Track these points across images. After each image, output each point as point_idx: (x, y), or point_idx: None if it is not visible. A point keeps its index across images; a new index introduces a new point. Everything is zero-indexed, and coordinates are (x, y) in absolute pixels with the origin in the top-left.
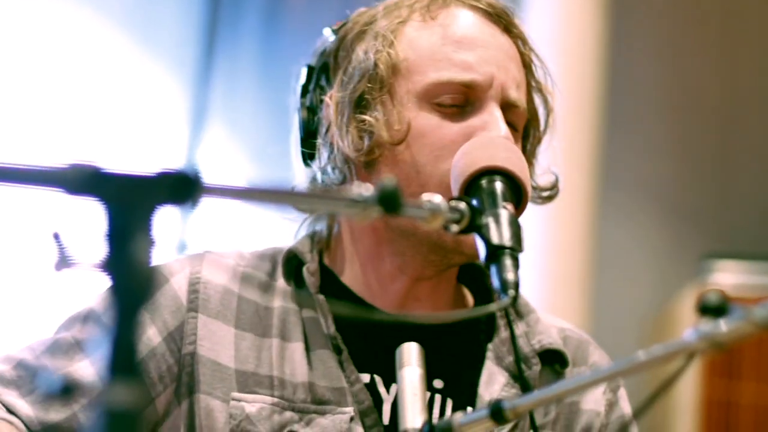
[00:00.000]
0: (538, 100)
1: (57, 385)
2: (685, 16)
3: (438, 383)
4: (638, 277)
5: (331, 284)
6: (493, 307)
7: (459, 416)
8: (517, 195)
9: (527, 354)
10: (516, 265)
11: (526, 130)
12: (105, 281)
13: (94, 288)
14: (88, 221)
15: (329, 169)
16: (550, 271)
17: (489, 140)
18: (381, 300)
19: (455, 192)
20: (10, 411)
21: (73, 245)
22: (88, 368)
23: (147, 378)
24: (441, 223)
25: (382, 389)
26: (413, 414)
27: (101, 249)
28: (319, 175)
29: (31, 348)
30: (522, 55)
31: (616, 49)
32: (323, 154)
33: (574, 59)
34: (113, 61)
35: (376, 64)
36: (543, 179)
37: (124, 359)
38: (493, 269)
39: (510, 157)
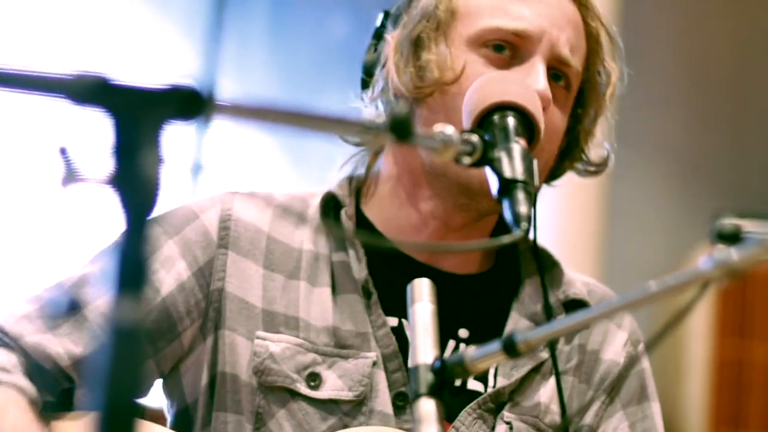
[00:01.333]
0: (601, 73)
1: (64, 306)
2: None
3: (463, 332)
4: (650, 235)
5: (366, 228)
6: (505, 239)
7: (471, 350)
8: (530, 131)
9: (553, 303)
10: (529, 198)
11: (582, 99)
12: (112, 196)
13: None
14: (95, 135)
15: (379, 102)
16: (561, 230)
17: (503, 76)
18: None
19: (467, 126)
20: (28, 368)
21: (80, 160)
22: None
23: (175, 311)
24: (452, 155)
25: (408, 333)
26: (425, 349)
27: (108, 163)
28: (366, 109)
29: (58, 285)
30: (588, 25)
31: (625, 9)
32: (377, 87)
33: None
34: (123, 21)
35: (436, 6)
36: (594, 153)
37: (132, 274)
38: (506, 203)
39: (524, 93)
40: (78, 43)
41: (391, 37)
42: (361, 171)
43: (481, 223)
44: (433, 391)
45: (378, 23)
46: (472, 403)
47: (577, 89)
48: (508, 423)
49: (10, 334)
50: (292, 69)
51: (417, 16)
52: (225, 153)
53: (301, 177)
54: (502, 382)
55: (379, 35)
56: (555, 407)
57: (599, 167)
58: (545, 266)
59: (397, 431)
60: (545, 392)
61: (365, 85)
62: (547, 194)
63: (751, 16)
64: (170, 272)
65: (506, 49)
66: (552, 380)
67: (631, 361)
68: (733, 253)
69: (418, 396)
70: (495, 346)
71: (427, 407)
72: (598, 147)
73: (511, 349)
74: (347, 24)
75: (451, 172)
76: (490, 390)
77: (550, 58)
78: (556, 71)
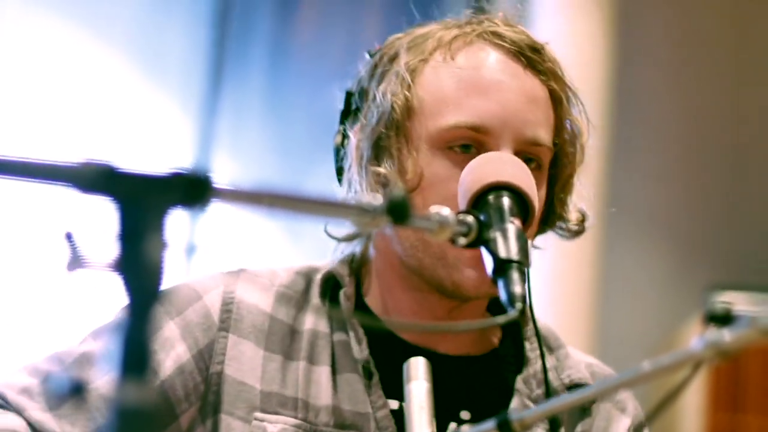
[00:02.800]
0: (570, 133)
1: (66, 386)
2: (692, 43)
3: (465, 414)
4: (644, 306)
5: (362, 311)
6: (500, 319)
7: (465, 429)
8: (525, 210)
9: (556, 387)
10: (524, 278)
11: (556, 165)
12: (117, 281)
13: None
14: (101, 221)
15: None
16: (556, 300)
17: (496, 156)
18: (405, 331)
19: (463, 207)
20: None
21: (86, 245)
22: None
23: (173, 394)
24: (449, 236)
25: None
26: (420, 427)
27: (113, 249)
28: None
29: (59, 359)
30: (551, 90)
31: (622, 76)
32: (346, 185)
33: (580, 85)
34: (120, 90)
35: (392, 107)
36: (572, 215)
37: (136, 359)
38: (501, 283)
39: (517, 173)
40: (76, 119)
41: (353, 134)
42: (360, 250)
43: (469, 307)
44: None
45: (341, 104)
46: None
47: (549, 161)
48: None
49: (12, 404)
50: (288, 141)
51: (374, 118)
52: (223, 229)
53: (299, 252)
54: None
55: (343, 116)
56: None
57: (578, 228)
58: (550, 348)
59: None
60: None
61: (339, 172)
62: (541, 265)
63: (749, 89)
64: (170, 354)
65: (472, 146)
66: None
67: None
68: (724, 335)
69: None
70: (489, 424)
71: None
72: (575, 209)
73: (505, 428)
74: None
75: (425, 275)
76: None
77: (517, 144)
78: (526, 154)
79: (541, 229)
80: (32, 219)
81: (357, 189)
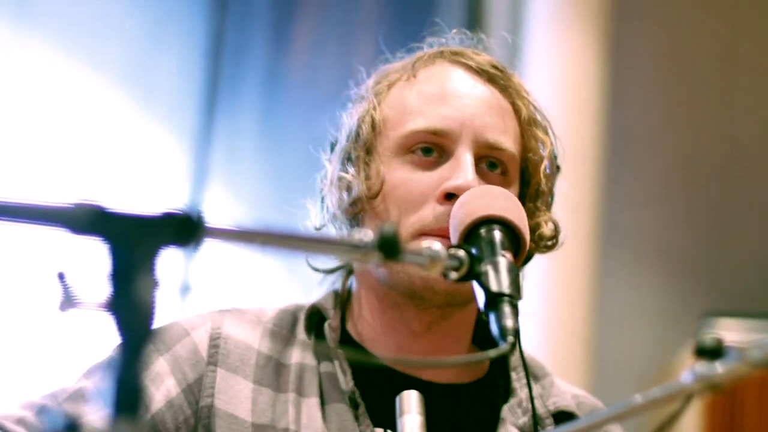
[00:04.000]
0: (536, 149)
1: (60, 421)
2: (684, 71)
3: None
4: (639, 334)
5: (348, 342)
6: (492, 353)
7: None
8: (516, 243)
9: (542, 414)
10: (515, 312)
11: (525, 178)
12: (109, 321)
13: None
14: (92, 261)
15: (324, 227)
16: (550, 328)
17: (486, 189)
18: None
19: (455, 241)
20: None
21: (78, 285)
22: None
23: (164, 428)
24: (440, 271)
25: None
26: None
27: (105, 289)
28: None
29: (53, 395)
30: (513, 104)
31: (615, 106)
32: (319, 212)
33: (573, 115)
34: (112, 121)
35: (359, 125)
36: (545, 229)
37: (128, 398)
38: (492, 316)
39: (508, 206)
40: (68, 150)
41: (328, 162)
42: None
43: (451, 323)
44: None
45: (329, 144)
46: None
47: (518, 171)
48: None
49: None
50: (282, 170)
51: (344, 138)
52: (217, 262)
53: (294, 285)
54: None
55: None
56: None
57: (553, 240)
58: (536, 377)
59: None
60: None
61: (322, 200)
62: (535, 294)
63: (743, 114)
64: (159, 389)
65: (433, 150)
66: None
67: None
68: (714, 368)
69: None
70: None
71: None
72: (548, 220)
73: None
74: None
75: (396, 281)
76: None
77: (478, 147)
78: (490, 159)
79: None
80: (24, 259)
81: (328, 205)
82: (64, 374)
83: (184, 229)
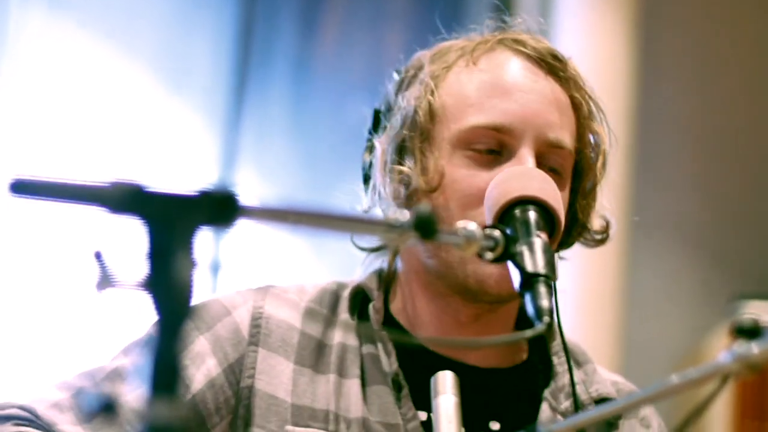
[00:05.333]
0: (591, 144)
1: (98, 402)
2: (715, 54)
3: (494, 425)
4: (669, 318)
5: (391, 324)
6: (528, 333)
7: None
8: (551, 224)
9: (584, 401)
10: (550, 292)
11: (579, 171)
12: (146, 300)
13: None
14: (130, 240)
15: (378, 206)
16: (581, 314)
17: (523, 170)
18: (435, 345)
19: (489, 221)
20: None
21: (115, 265)
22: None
23: (205, 408)
24: (475, 251)
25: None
26: None
27: (143, 268)
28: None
29: (90, 375)
30: (572, 97)
31: (645, 89)
32: (372, 194)
33: (604, 97)
34: (143, 104)
35: (416, 111)
36: (595, 222)
37: (166, 377)
38: (528, 297)
39: (544, 187)
40: (100, 135)
41: (379, 143)
42: (387, 263)
43: (497, 315)
44: None
45: (369, 122)
46: None
47: (572, 166)
48: None
49: (43, 419)
50: (312, 154)
51: (399, 122)
52: (249, 244)
53: (324, 267)
54: None
55: (371, 133)
56: None
57: (602, 236)
58: (578, 362)
59: None
60: None
61: (366, 180)
62: (565, 279)
63: None
64: (200, 369)
65: (492, 147)
66: None
67: None
68: (752, 347)
69: None
70: None
71: None
72: (599, 216)
73: None
74: (367, 108)
75: (449, 274)
76: None
77: (538, 145)
78: (549, 157)
79: (565, 238)
80: (62, 239)
81: (381, 192)
82: (101, 354)
83: (221, 207)
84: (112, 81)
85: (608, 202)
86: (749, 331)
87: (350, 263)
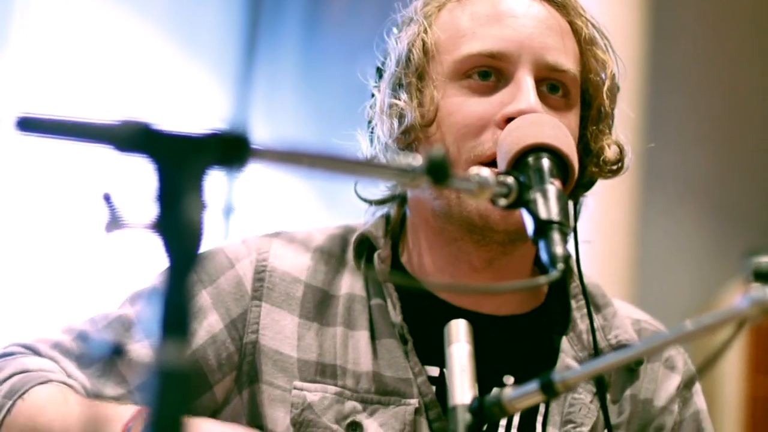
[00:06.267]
0: (596, 70)
1: (101, 348)
2: (729, 10)
3: (508, 380)
4: (682, 274)
5: (399, 273)
6: (542, 279)
7: (509, 390)
8: (564, 172)
9: (603, 348)
10: (565, 239)
11: (586, 100)
12: (156, 242)
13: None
14: (139, 182)
15: (375, 158)
16: (593, 271)
17: (536, 118)
18: (448, 293)
19: (502, 169)
20: (69, 376)
21: (124, 206)
22: (148, 348)
23: (206, 364)
24: (489, 197)
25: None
26: (462, 390)
27: (152, 210)
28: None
29: (93, 321)
30: (571, 23)
31: (658, 42)
32: (368, 142)
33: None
34: (154, 62)
35: (410, 50)
36: (609, 151)
37: (175, 319)
38: (542, 244)
39: (557, 134)
40: (111, 92)
41: (378, 90)
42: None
43: (511, 259)
44: None
45: (374, 79)
46: None
47: (579, 94)
48: None
49: (45, 356)
50: (322, 110)
51: (394, 64)
52: (257, 194)
53: (333, 216)
54: None
55: (376, 88)
56: None
57: (617, 165)
58: (597, 306)
59: None
60: None
61: (369, 127)
62: (577, 235)
63: None
64: (202, 324)
65: (491, 74)
66: None
67: (687, 405)
68: None
69: None
70: (533, 385)
71: None
72: (613, 143)
73: (549, 389)
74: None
75: (454, 214)
76: None
77: (538, 69)
78: (551, 81)
79: (583, 172)
80: (71, 181)
81: (379, 134)
82: (109, 298)
83: (232, 148)
84: (123, 40)
85: (624, 136)
86: (766, 275)
87: (360, 212)
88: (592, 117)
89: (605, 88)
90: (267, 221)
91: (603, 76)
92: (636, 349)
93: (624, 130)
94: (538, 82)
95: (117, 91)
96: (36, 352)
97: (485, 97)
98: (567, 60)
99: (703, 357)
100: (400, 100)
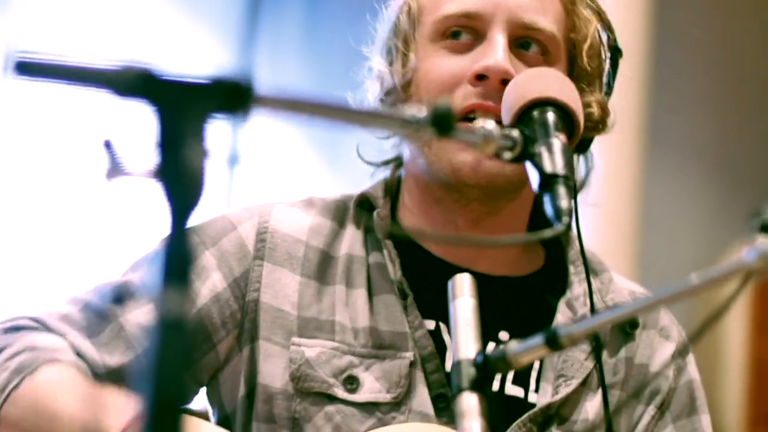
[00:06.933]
0: (580, 29)
1: (109, 296)
2: None
3: (504, 335)
4: (686, 235)
5: (398, 232)
6: (546, 233)
7: (513, 344)
8: (570, 126)
9: (599, 310)
10: (570, 193)
11: (572, 59)
12: (157, 189)
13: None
14: (140, 128)
15: None
16: (596, 234)
17: (542, 72)
18: (443, 250)
19: (507, 122)
20: (77, 353)
21: (125, 153)
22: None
23: (210, 323)
24: (493, 150)
25: (446, 337)
26: (466, 344)
27: (153, 156)
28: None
29: (98, 290)
30: None
31: (662, 11)
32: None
33: (619, 16)
34: (158, 26)
35: (397, 15)
36: (593, 110)
37: (176, 267)
38: (547, 198)
39: (563, 88)
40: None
41: (371, 57)
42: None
43: (496, 220)
44: (476, 386)
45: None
46: (523, 417)
47: (563, 53)
48: None
49: (54, 330)
50: (326, 68)
51: (384, 32)
52: (260, 153)
53: (335, 179)
54: (548, 396)
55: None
56: (601, 423)
57: (600, 123)
58: (594, 271)
59: (437, 426)
60: (592, 407)
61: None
62: (580, 194)
63: None
64: (205, 283)
65: (464, 33)
66: (599, 394)
67: (681, 373)
68: None
69: (460, 391)
70: (538, 339)
71: (469, 402)
72: (595, 104)
73: (553, 343)
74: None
75: (433, 172)
76: (533, 397)
77: (512, 28)
78: (525, 39)
79: None
80: (70, 127)
81: (368, 98)
82: (112, 246)
83: (235, 94)
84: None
85: (618, 114)
86: None
87: (363, 176)
88: (575, 75)
89: (586, 46)
90: (270, 184)
91: (586, 34)
92: (643, 301)
93: (629, 91)
94: (515, 40)
95: (119, 52)
96: (44, 325)
97: (459, 56)
98: (545, 19)
99: (708, 312)
100: (386, 64)
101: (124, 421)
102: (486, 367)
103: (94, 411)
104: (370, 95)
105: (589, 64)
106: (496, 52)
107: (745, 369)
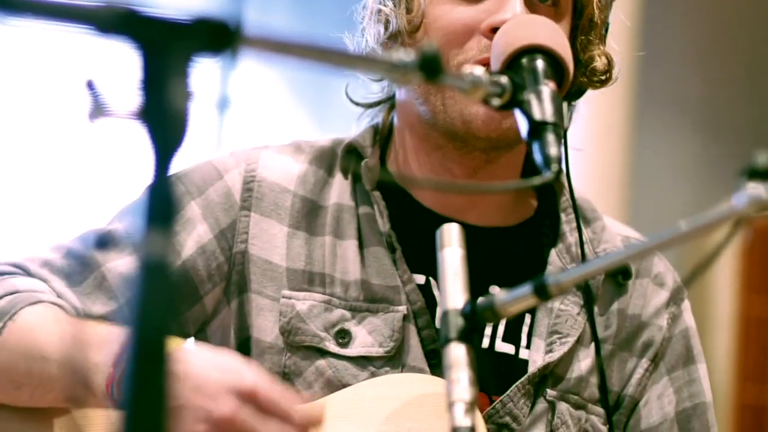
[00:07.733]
0: None
1: (93, 243)
2: None
3: (495, 289)
4: (675, 193)
5: (387, 182)
6: (536, 180)
7: (502, 294)
8: (559, 73)
9: (591, 260)
10: (559, 140)
11: (577, 9)
12: (140, 130)
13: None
14: (123, 69)
15: None
16: (586, 187)
17: (530, 19)
18: (434, 200)
19: (496, 69)
20: (59, 296)
21: (108, 93)
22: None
23: (196, 275)
24: (482, 96)
25: (436, 292)
26: (455, 294)
27: (136, 97)
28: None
29: (82, 237)
30: None
31: None
32: (356, 46)
33: None
34: None
35: None
36: (598, 61)
37: (159, 209)
38: (536, 145)
39: (552, 36)
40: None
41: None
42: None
43: (495, 168)
44: (464, 336)
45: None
46: (522, 379)
47: (570, 2)
48: (550, 402)
49: (35, 275)
50: (315, 32)
51: None
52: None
53: (321, 129)
54: (541, 352)
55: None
56: (594, 379)
57: (605, 75)
58: (586, 219)
59: (429, 377)
60: (585, 363)
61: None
62: (571, 153)
63: None
64: (191, 234)
65: None
66: (591, 349)
67: (675, 322)
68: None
69: (448, 341)
70: (526, 289)
71: (457, 352)
72: (602, 54)
73: (542, 292)
74: None
75: (438, 120)
76: (524, 353)
77: None
78: None
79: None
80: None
81: (367, 39)
82: (94, 188)
83: (220, 34)
84: None
85: (615, 44)
86: (764, 173)
87: (347, 126)
88: (583, 26)
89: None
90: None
91: None
92: (633, 248)
93: (618, 48)
94: None
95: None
96: (26, 271)
97: (472, 5)
98: None
99: (699, 259)
100: (388, 5)
101: (111, 358)
102: (474, 317)
103: (80, 347)
104: (370, 37)
105: (599, 16)
106: (513, 4)
107: (733, 327)
